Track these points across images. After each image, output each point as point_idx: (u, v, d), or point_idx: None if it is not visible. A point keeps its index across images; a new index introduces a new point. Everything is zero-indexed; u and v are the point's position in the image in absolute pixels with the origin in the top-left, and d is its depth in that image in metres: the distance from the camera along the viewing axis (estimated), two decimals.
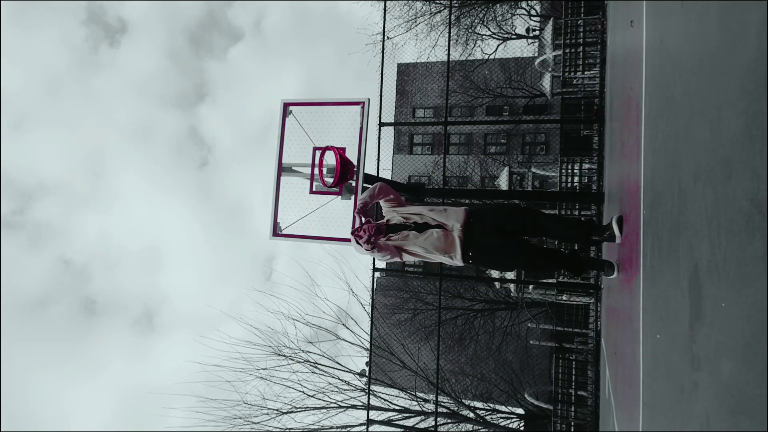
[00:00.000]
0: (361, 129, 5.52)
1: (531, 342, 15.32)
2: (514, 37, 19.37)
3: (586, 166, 11.42)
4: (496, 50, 19.05)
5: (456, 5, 17.12)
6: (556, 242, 10.75)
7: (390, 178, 8.17)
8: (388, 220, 3.78)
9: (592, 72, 11.15)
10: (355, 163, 5.44)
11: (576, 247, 9.96)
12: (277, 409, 12.48)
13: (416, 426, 13.64)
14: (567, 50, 11.43)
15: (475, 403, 15.12)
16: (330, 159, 5.33)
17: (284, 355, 12.76)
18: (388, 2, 9.61)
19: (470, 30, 18.23)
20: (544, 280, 11.78)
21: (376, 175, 7.39)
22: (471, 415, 14.42)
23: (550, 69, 12.65)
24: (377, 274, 10.51)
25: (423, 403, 13.98)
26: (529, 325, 14.85)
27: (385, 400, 13.94)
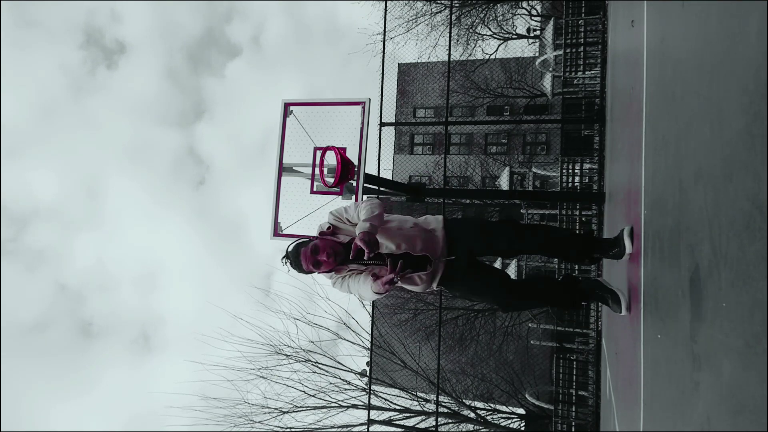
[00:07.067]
0: (361, 129, 5.52)
1: (532, 342, 15.30)
2: (514, 37, 19.36)
3: (587, 166, 11.41)
4: (496, 50, 19.03)
5: (457, 5, 17.11)
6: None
7: (391, 178, 8.17)
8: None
9: (593, 72, 11.15)
10: (355, 163, 5.44)
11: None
12: (278, 409, 12.50)
13: (417, 426, 13.65)
14: (568, 50, 11.43)
15: (476, 403, 15.11)
16: (331, 159, 5.34)
17: (285, 354, 12.78)
18: (388, 2, 9.61)
19: (471, 30, 18.21)
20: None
21: (376, 175, 7.40)
22: (472, 415, 14.41)
23: (550, 69, 12.65)
24: None
25: (424, 403, 13.98)
26: (529, 325, 14.83)
27: (385, 399, 13.94)
